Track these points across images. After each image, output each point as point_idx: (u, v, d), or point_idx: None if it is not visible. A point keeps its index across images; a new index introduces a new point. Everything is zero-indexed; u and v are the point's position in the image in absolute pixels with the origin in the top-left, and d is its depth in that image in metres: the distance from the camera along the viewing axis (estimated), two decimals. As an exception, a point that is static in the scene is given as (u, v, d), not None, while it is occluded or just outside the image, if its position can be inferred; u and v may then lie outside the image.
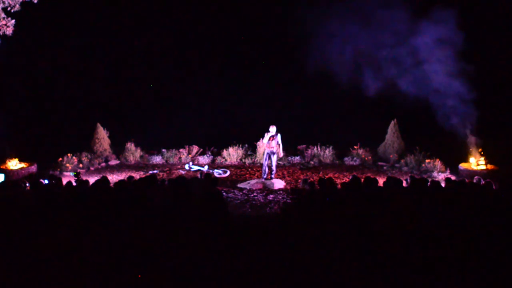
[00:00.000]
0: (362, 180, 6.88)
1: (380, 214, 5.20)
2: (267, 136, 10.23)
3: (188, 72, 17.89)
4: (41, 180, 7.35)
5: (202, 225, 5.09)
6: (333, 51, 12.85)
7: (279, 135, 10.24)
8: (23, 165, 11.33)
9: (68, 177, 10.68)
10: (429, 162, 11.57)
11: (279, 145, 10.34)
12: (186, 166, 12.41)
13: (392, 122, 13.30)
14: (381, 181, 7.66)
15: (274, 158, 10.38)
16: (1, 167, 10.96)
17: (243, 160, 13.30)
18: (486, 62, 13.10)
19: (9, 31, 8.96)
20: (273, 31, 14.16)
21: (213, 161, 13.34)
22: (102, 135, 13.56)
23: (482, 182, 7.19)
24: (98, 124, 13.63)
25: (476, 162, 11.21)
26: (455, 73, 11.56)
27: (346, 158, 13.09)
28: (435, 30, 11.52)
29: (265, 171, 10.53)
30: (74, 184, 6.96)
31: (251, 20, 16.97)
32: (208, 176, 7.32)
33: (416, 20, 11.76)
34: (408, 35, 11.93)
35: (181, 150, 13.56)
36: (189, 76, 17.91)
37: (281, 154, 10.61)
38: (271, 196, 9.55)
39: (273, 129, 10.20)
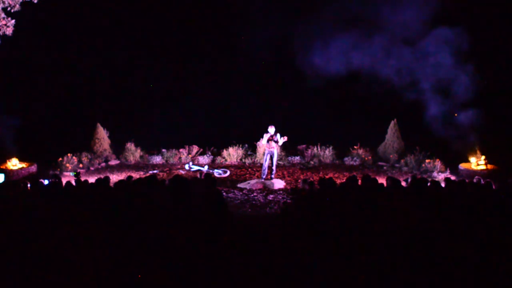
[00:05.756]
0: (360, 179, 6.87)
1: (380, 214, 5.20)
2: (266, 136, 10.24)
3: (188, 72, 17.88)
4: (41, 180, 7.35)
5: (202, 225, 5.09)
6: (333, 51, 12.86)
7: (278, 135, 10.25)
8: (23, 165, 11.32)
9: (68, 177, 10.68)
10: (429, 162, 11.56)
11: (278, 143, 10.33)
12: (186, 166, 12.41)
13: (392, 122, 13.29)
14: (381, 181, 7.66)
15: (274, 158, 10.40)
16: (1, 167, 10.96)
17: (243, 160, 13.30)
18: (486, 61, 13.09)
19: (9, 31, 8.97)
20: (273, 31, 14.16)
21: (213, 161, 13.34)
22: (102, 135, 13.56)
23: (482, 182, 7.19)
24: (98, 124, 13.63)
25: (476, 162, 11.21)
26: (455, 72, 11.56)
27: (346, 158, 13.08)
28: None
29: (264, 171, 10.53)
30: (74, 184, 6.96)
31: (251, 20, 16.97)
32: (208, 176, 7.31)
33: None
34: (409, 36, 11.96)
35: (181, 150, 13.55)
36: (189, 76, 17.90)
37: (279, 144, 10.49)
38: (271, 196, 9.55)
39: (271, 129, 10.19)
